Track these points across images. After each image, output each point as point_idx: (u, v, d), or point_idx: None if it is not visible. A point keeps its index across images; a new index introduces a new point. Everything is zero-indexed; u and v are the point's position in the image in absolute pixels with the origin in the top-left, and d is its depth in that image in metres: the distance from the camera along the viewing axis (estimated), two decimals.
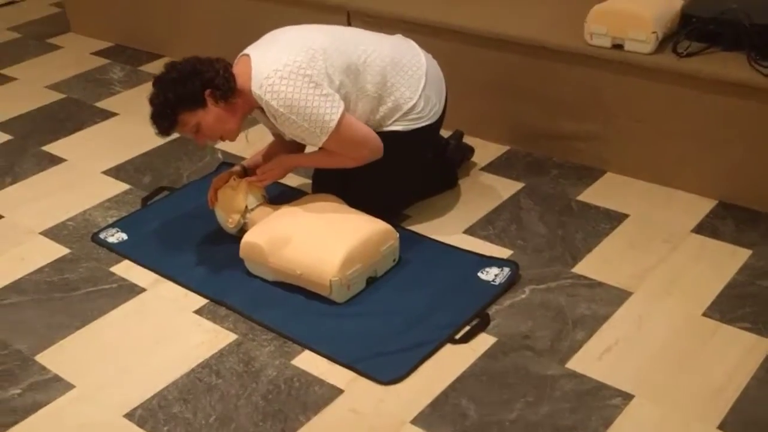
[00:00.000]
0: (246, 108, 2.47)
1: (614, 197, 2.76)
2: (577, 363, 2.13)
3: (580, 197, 2.78)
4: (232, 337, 2.29)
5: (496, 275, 2.43)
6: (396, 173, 2.61)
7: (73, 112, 3.62)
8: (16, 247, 2.74)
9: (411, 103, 2.53)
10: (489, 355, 2.17)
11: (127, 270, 2.59)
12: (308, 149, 2.72)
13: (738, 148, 2.62)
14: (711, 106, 2.62)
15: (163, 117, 2.41)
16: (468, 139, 3.00)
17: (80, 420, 2.08)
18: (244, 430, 2.00)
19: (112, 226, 2.79)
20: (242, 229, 2.57)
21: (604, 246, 2.55)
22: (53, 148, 3.34)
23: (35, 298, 2.49)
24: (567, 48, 2.83)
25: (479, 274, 2.44)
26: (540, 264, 2.48)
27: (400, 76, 2.53)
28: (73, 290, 2.52)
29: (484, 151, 3.05)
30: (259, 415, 2.04)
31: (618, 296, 2.34)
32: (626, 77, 2.75)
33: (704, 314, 2.25)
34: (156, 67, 3.63)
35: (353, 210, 2.52)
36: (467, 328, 2.26)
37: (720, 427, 1.93)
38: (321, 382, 2.13)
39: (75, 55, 4.20)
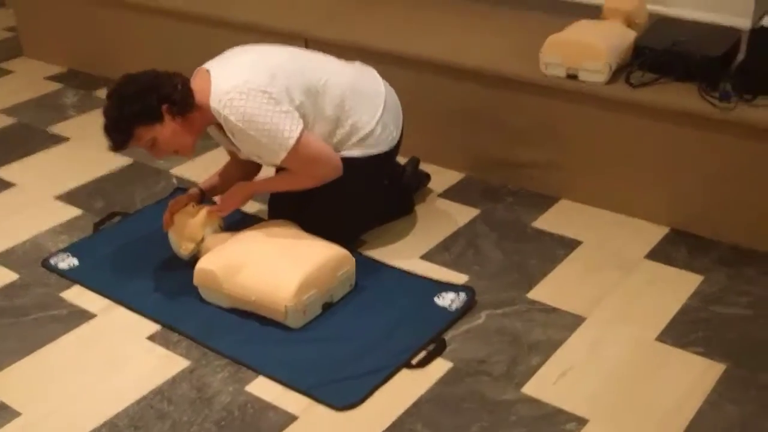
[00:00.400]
0: (203, 123, 2.45)
1: (569, 224, 2.79)
2: (532, 388, 2.13)
3: (535, 224, 2.80)
4: (184, 363, 2.26)
5: (452, 300, 2.43)
6: (352, 199, 2.60)
7: (25, 136, 3.57)
8: None
9: (368, 128, 2.54)
10: (445, 380, 2.16)
11: (78, 296, 2.54)
12: (264, 170, 2.71)
13: (689, 177, 2.67)
14: (663, 135, 2.67)
15: (119, 131, 2.37)
16: (425, 166, 3.01)
17: None
18: None
19: (63, 251, 2.74)
20: (195, 256, 2.54)
21: (559, 272, 2.56)
22: (3, 172, 3.28)
23: None
24: (523, 78, 2.87)
25: (435, 299, 2.44)
26: (496, 289, 2.49)
27: (359, 101, 2.53)
28: (23, 316, 2.46)
29: (441, 177, 3.07)
30: None
31: (573, 321, 2.35)
32: (581, 107, 2.79)
33: (657, 339, 2.28)
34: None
35: (309, 236, 2.51)
36: (423, 353, 2.25)
37: None
38: (275, 409, 2.10)
39: (27, 80, 4.14)
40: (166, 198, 2.98)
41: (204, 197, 2.68)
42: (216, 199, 2.72)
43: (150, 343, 2.34)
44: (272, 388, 2.16)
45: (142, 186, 3.14)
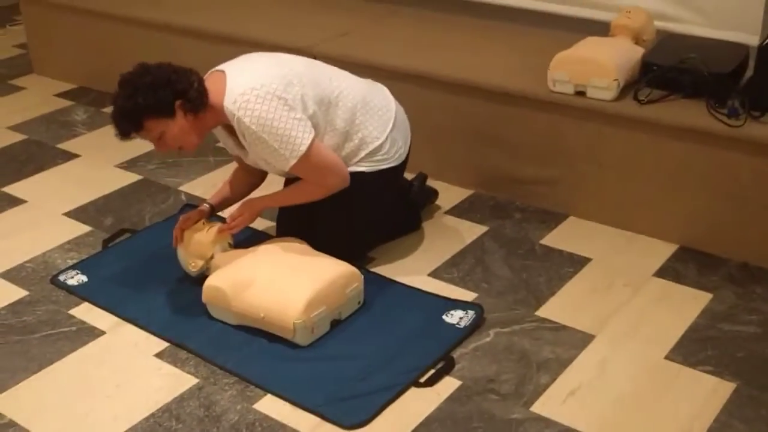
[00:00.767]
0: (213, 123, 2.45)
1: (577, 241, 2.78)
2: (541, 407, 2.12)
3: (544, 241, 2.80)
4: (193, 381, 2.26)
5: (460, 318, 2.42)
6: (360, 215, 2.61)
7: (35, 153, 3.59)
8: None
9: (377, 143, 2.54)
10: (453, 398, 2.16)
11: (86, 313, 2.55)
12: (269, 178, 2.70)
13: (698, 194, 2.66)
14: (671, 152, 2.66)
15: (129, 120, 2.36)
16: (432, 183, 3.02)
17: None
18: None
19: (72, 268, 2.75)
20: (203, 273, 2.54)
21: (568, 289, 2.56)
22: (14, 189, 3.30)
23: None
24: (530, 94, 2.87)
25: (444, 317, 2.43)
26: (504, 307, 2.48)
27: (370, 116, 2.54)
28: (31, 333, 2.47)
29: (449, 194, 3.07)
30: None
31: (581, 340, 2.34)
32: (588, 123, 2.79)
33: (666, 357, 2.27)
34: None
35: (317, 253, 2.51)
36: (432, 371, 2.24)
37: None
38: (284, 427, 2.09)
39: (38, 97, 4.17)
40: (175, 215, 2.99)
41: (213, 213, 2.69)
42: (226, 215, 2.73)
43: (158, 361, 2.34)
44: (281, 406, 2.16)
45: (150, 203, 3.15)
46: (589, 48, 2.85)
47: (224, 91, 2.37)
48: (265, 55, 2.55)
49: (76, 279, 2.69)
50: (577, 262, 2.68)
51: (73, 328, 2.48)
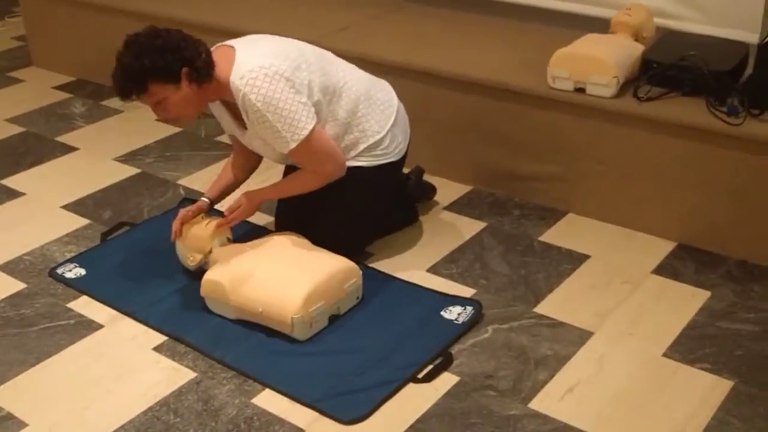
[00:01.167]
0: (213, 97, 2.44)
1: (576, 238, 2.78)
2: (539, 403, 2.12)
3: (542, 237, 2.80)
4: (191, 375, 2.25)
5: (459, 314, 2.42)
6: (359, 210, 2.61)
7: (33, 146, 3.58)
8: None
9: (378, 137, 2.54)
10: (451, 394, 2.16)
11: (84, 306, 2.54)
12: (264, 163, 2.70)
13: (697, 191, 2.66)
14: (670, 149, 2.66)
15: (133, 81, 2.32)
16: (431, 178, 3.01)
17: None
18: None
19: (70, 261, 2.75)
20: (202, 267, 2.54)
21: (566, 286, 2.56)
22: (12, 182, 3.29)
23: None
24: (530, 91, 2.87)
25: (442, 312, 2.44)
26: (503, 303, 2.49)
27: (372, 109, 2.54)
28: (29, 326, 2.46)
29: (447, 190, 3.07)
30: None
31: (579, 336, 2.34)
32: (588, 120, 2.79)
33: (664, 355, 2.27)
34: (118, 102, 3.61)
35: (316, 247, 2.51)
36: (430, 367, 2.25)
37: None
38: (282, 422, 2.09)
39: (36, 89, 4.16)
40: (174, 208, 2.99)
41: (212, 207, 2.68)
42: (224, 208, 2.72)
43: (156, 354, 2.34)
44: (279, 401, 2.16)
45: (149, 196, 3.15)
46: (589, 45, 2.85)
47: (231, 66, 2.36)
48: (276, 37, 2.54)
49: (74, 272, 2.69)
50: (575, 259, 2.68)
51: (72, 322, 2.48)
